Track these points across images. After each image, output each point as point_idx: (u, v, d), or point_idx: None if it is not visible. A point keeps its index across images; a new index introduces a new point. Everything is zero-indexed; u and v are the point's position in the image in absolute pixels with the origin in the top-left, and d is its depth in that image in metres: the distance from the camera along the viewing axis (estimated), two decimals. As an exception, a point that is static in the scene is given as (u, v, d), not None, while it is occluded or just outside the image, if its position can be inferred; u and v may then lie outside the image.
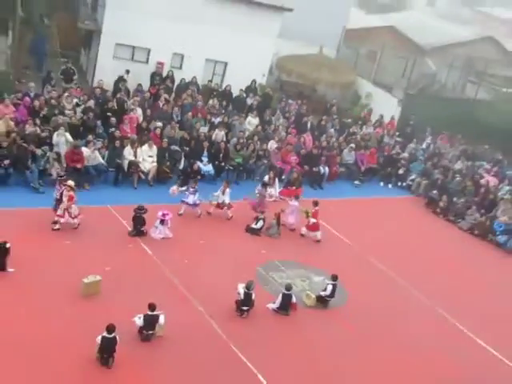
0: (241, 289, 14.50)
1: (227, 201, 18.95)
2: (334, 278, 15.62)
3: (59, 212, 16.30)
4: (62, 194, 16.33)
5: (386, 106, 30.53)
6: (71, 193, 16.28)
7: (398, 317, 16.01)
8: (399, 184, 25.77)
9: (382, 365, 13.94)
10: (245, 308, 14.45)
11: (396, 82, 32.59)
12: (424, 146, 28.51)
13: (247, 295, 14.41)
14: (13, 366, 11.43)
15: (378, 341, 14.78)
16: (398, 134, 28.98)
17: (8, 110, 19.78)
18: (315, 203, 19.23)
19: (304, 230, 19.19)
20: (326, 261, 17.38)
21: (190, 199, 18.57)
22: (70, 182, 16.53)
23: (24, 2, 22.82)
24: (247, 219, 18.90)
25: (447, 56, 33.88)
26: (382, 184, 25.73)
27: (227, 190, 18.96)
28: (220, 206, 19.00)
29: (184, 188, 18.84)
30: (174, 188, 18.93)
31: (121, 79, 24.62)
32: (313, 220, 19.07)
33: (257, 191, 19.74)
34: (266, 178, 21.04)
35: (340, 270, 16.24)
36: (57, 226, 16.31)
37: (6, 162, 18.03)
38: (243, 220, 18.98)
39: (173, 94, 25.67)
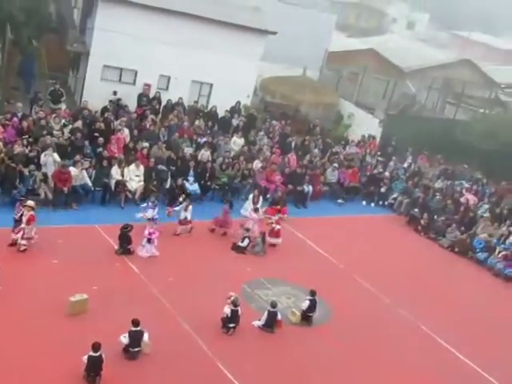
0: (227, 309, 14.70)
1: (189, 217, 19.27)
2: (313, 293, 15.91)
3: (15, 232, 16.25)
4: (21, 215, 16.24)
5: (367, 126, 31.18)
6: (31, 213, 16.18)
7: (382, 333, 16.33)
8: (381, 203, 26.28)
9: (367, 381, 14.23)
10: (231, 325, 14.69)
11: (377, 103, 33.32)
12: (405, 165, 29.11)
13: (233, 312, 14.66)
14: None
15: (363, 357, 15.07)
16: (379, 153, 29.54)
17: (-3, 131, 20.05)
18: (278, 211, 20.51)
19: (268, 239, 19.70)
20: (311, 278, 17.65)
21: (149, 213, 18.45)
22: (30, 202, 16.44)
23: (13, 25, 23.12)
24: (230, 237, 19.21)
25: (426, 78, 34.79)
26: (364, 203, 26.20)
27: (189, 207, 19.28)
28: (182, 222, 19.22)
29: (144, 205, 18.95)
30: (169, 208, 19.52)
31: (112, 103, 25.00)
32: (278, 227, 19.81)
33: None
34: (250, 198, 21.28)
35: (324, 287, 16.59)
36: (23, 248, 16.19)
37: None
38: (228, 238, 19.36)
39: (159, 115, 26.07)
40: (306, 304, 15.85)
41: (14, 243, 16.25)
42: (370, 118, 31.93)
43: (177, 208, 19.40)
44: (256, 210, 20.61)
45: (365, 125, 31.43)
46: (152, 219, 18.36)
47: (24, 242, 16.14)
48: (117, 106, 25.09)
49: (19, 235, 16.11)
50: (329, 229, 22.48)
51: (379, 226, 24.22)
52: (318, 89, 32.58)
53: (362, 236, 22.58)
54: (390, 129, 31.13)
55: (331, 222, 23.30)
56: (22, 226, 16.06)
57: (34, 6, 24.02)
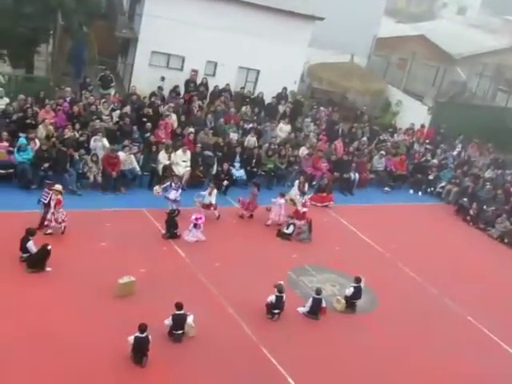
0: (271, 295, 14.72)
1: (214, 201, 19.11)
2: (358, 280, 15.85)
3: (48, 217, 16.29)
4: (50, 199, 16.33)
5: (416, 114, 30.68)
6: (59, 197, 16.28)
7: (428, 323, 16.16)
8: (429, 191, 25.91)
9: (411, 370, 14.10)
10: (276, 311, 14.74)
11: (426, 90, 32.73)
12: (455, 153, 28.59)
13: (278, 298, 14.70)
14: (48, 363, 11.82)
15: (408, 346, 14.96)
16: (427, 141, 29.10)
17: (48, 116, 20.47)
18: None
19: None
20: (356, 266, 17.54)
21: (172, 195, 18.61)
22: (58, 186, 16.55)
23: (64, 11, 23.50)
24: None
25: (477, 65, 33.99)
26: (411, 191, 25.87)
27: (214, 191, 19.16)
28: (207, 206, 19.05)
29: (167, 183, 18.95)
30: (157, 187, 19.11)
31: (159, 88, 25.26)
32: (304, 209, 19.68)
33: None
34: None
35: (370, 275, 16.48)
36: (49, 231, 16.24)
37: (46, 164, 18.65)
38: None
39: (206, 101, 26.19)
40: (350, 291, 15.81)
41: (41, 226, 16.17)
42: (419, 105, 31.40)
43: (202, 193, 19.26)
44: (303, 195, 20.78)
45: (413, 112, 30.93)
46: (175, 200, 18.56)
47: (62, 225, 16.31)
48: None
49: (52, 220, 16.21)
50: (375, 217, 22.32)
51: (426, 214, 23.90)
52: (365, 75, 32.19)
53: (409, 224, 22.32)
54: (439, 116, 30.58)
55: (377, 210, 23.11)
56: (52, 210, 16.21)
57: (84, -8, 24.39)
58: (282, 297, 14.73)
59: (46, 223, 16.24)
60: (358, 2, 32.30)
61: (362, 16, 32.06)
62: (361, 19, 31.72)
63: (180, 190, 18.76)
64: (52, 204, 16.20)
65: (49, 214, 16.24)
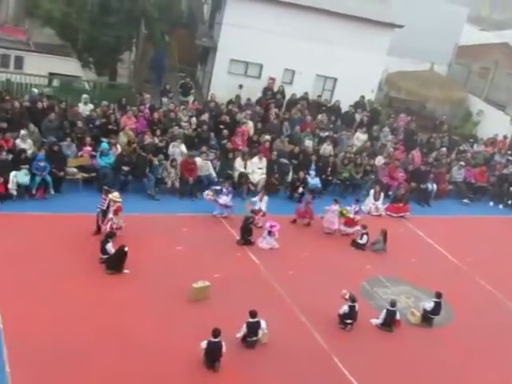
0: (345, 305, 14.64)
1: (264, 208, 18.98)
2: (438, 295, 15.52)
3: (104, 223, 16.23)
4: (108, 205, 16.27)
5: (498, 124, 29.80)
6: (118, 204, 16.25)
7: (505, 339, 15.66)
8: (510, 204, 25.07)
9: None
10: (349, 321, 14.63)
11: (509, 100, 31.68)
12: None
13: (351, 308, 14.60)
14: (122, 363, 12.09)
15: (483, 364, 14.52)
16: (510, 152, 28.19)
17: (130, 122, 21.11)
18: (357, 201, 20.16)
19: (342, 227, 19.42)
20: (432, 279, 17.22)
21: (222, 200, 18.64)
22: (115, 194, 16.42)
23: (147, 20, 24.20)
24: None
25: None
26: (491, 203, 25.11)
27: (265, 197, 19.05)
28: (256, 212, 18.80)
29: (218, 187, 19.03)
30: (208, 192, 18.96)
31: (237, 97, 25.59)
32: (357, 216, 19.50)
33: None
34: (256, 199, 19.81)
35: (446, 288, 16.07)
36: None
37: (126, 168, 19.19)
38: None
39: (283, 109, 26.31)
40: (430, 305, 15.49)
41: (98, 232, 16.29)
42: (501, 115, 30.48)
43: (254, 199, 19.22)
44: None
45: (495, 122, 30.05)
46: (225, 206, 18.62)
47: (118, 232, 16.08)
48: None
49: (108, 226, 16.09)
50: (452, 229, 21.80)
51: (506, 228, 23.14)
52: (445, 84, 31.58)
53: (488, 238, 21.67)
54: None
55: (455, 222, 22.56)
56: (110, 216, 16.16)
57: (167, 2, 25.06)
58: (355, 306, 14.61)
59: (103, 228, 16.22)
60: (440, 9, 31.77)
61: (444, 23, 31.56)
62: (442, 27, 31.23)
63: (231, 196, 18.83)
64: (111, 210, 16.21)
65: (106, 220, 16.22)
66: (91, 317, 13.19)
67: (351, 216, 19.48)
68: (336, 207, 19.38)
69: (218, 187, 19.08)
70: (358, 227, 19.25)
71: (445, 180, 24.37)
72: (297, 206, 19.89)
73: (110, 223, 16.11)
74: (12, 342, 11.88)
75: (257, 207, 18.97)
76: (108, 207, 16.22)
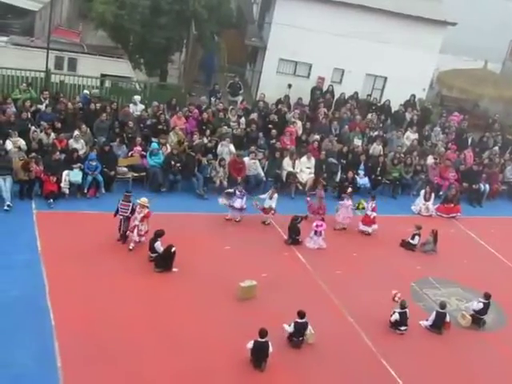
0: (396, 314, 14.36)
1: (274, 205, 18.44)
2: (487, 296, 15.17)
3: (130, 227, 15.81)
4: (132, 210, 15.75)
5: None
6: (147, 210, 15.68)
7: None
8: None
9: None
10: (402, 328, 14.40)
11: None
12: None
13: (402, 314, 14.36)
14: (170, 360, 12.21)
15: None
16: None
17: (180, 122, 21.38)
18: (373, 197, 19.28)
19: (360, 226, 18.94)
20: (484, 281, 16.82)
21: (237, 203, 18.14)
22: (143, 200, 15.78)
23: (197, 21, 24.44)
24: (401, 233, 18.87)
25: None
26: (546, 205, 24.46)
27: (275, 195, 18.51)
28: (266, 210, 18.39)
29: (231, 190, 18.60)
30: (222, 198, 18.45)
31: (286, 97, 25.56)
32: (374, 214, 18.88)
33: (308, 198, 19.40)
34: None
35: (499, 291, 15.73)
36: (131, 245, 15.76)
37: (177, 164, 19.38)
38: (395, 234, 18.97)
39: (332, 108, 26.19)
40: (479, 306, 15.18)
41: (122, 239, 15.94)
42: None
43: (262, 196, 18.73)
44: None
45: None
46: (241, 209, 18.22)
47: (137, 238, 15.73)
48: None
49: (134, 233, 15.68)
50: (506, 230, 21.25)
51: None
52: (499, 82, 30.86)
53: (543, 240, 21.07)
54: None
55: (508, 223, 21.99)
56: (136, 222, 15.64)
57: (216, 2, 25.25)
58: (406, 312, 14.38)
59: (128, 235, 15.88)
60: (494, 5, 31.09)
61: (498, 20, 30.89)
62: (496, 23, 30.58)
63: (245, 198, 18.28)
64: (138, 217, 15.62)
65: (131, 226, 15.78)
66: (140, 315, 13.39)
67: (368, 213, 18.95)
68: (350, 202, 19.03)
69: (231, 190, 18.67)
70: (375, 226, 18.85)
71: (498, 180, 23.82)
72: (310, 201, 19.15)
73: (136, 230, 15.67)
74: (63, 338, 12.14)
75: (266, 205, 18.47)
76: (132, 212, 15.76)
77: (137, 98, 22.27)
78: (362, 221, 19.01)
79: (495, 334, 15.20)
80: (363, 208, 19.16)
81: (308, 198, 19.21)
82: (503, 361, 14.24)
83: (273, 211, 18.47)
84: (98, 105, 20.79)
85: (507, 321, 15.74)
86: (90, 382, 11.31)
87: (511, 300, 16.34)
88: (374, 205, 19.06)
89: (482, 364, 14.02)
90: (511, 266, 18.82)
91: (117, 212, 15.86)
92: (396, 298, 14.60)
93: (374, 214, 18.99)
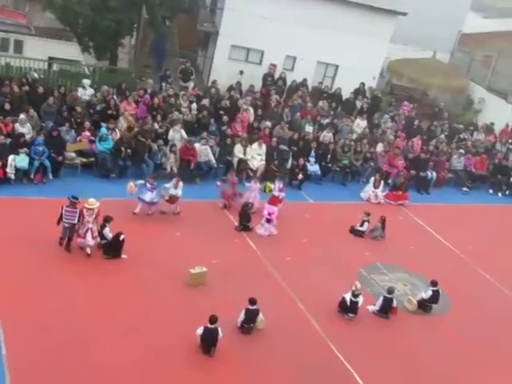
0: (347, 297, 14.61)
1: (180, 194, 17.71)
2: (434, 283, 15.51)
3: (81, 233, 14.58)
4: (79, 217, 14.46)
5: (499, 113, 29.70)
6: (97, 209, 14.58)
7: (504, 329, 15.62)
8: (509, 192, 25.04)
9: (480, 378, 13.68)
10: (351, 315, 14.60)
11: (511, 89, 31.57)
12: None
13: (353, 303, 14.56)
14: (120, 347, 12.14)
15: (480, 353, 14.48)
16: (511, 141, 28.11)
17: (130, 107, 21.10)
18: (280, 178, 19.35)
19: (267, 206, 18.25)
20: (430, 267, 17.23)
21: (147, 197, 17.14)
22: (92, 201, 14.64)
23: (148, 5, 24.07)
24: (350, 220, 19.09)
25: None
26: (491, 191, 25.11)
27: (180, 183, 17.70)
28: (171, 200, 17.62)
29: (142, 181, 17.32)
30: (131, 184, 17.22)
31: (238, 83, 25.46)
32: (281, 194, 18.58)
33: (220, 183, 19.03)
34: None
35: (444, 277, 16.10)
36: (88, 250, 14.74)
37: (127, 150, 19.14)
38: (344, 220, 19.16)
39: (284, 95, 26.24)
40: (428, 294, 15.49)
41: (66, 247, 14.76)
42: (503, 104, 30.36)
43: (167, 185, 17.80)
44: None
45: (496, 111, 29.94)
46: (151, 203, 17.24)
47: (92, 242, 14.71)
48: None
49: (88, 237, 14.56)
50: (451, 217, 21.79)
51: (506, 216, 23.12)
52: (447, 72, 31.45)
53: (487, 226, 21.64)
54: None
55: (454, 210, 22.54)
56: (90, 226, 14.49)
57: (168, -13, 24.90)
58: (358, 302, 14.59)
59: (79, 241, 14.72)
60: (443, -4, 31.61)
61: (447, 11, 31.40)
62: (445, 14, 31.09)
63: (155, 191, 17.26)
64: (90, 219, 14.46)
65: (81, 232, 14.58)
66: (90, 302, 13.22)
67: (276, 194, 18.59)
68: (257, 185, 18.79)
69: (142, 181, 17.35)
70: (280, 205, 18.36)
71: (444, 168, 24.35)
72: (221, 187, 18.76)
73: (89, 233, 14.55)
74: (8, 325, 11.91)
75: (173, 193, 17.66)
76: (79, 219, 14.47)
77: (86, 81, 21.86)
78: (269, 201, 18.47)
79: (440, 318, 15.55)
80: (270, 190, 18.90)
81: (218, 183, 18.88)
82: (448, 344, 14.58)
83: (177, 200, 17.68)
84: (42, 88, 20.25)
85: (452, 305, 16.12)
86: (38, 370, 11.10)
87: (456, 285, 16.76)
88: (281, 185, 18.82)
89: (428, 347, 14.32)
90: (457, 251, 19.28)
91: (60, 219, 14.51)
92: (353, 287, 14.67)
93: (282, 194, 18.70)
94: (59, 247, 14.77)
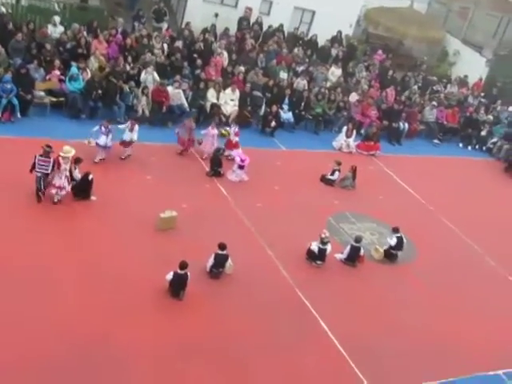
0: (315, 246, 14.78)
1: (135, 138, 17.10)
2: (396, 230, 15.73)
3: (57, 184, 14.22)
4: (54, 165, 14.09)
5: (473, 66, 29.72)
6: (71, 157, 14.30)
7: (467, 280, 16.01)
8: (479, 146, 25.31)
9: (444, 323, 14.06)
10: (319, 262, 14.81)
11: (486, 42, 31.52)
12: (510, 109, 27.70)
13: (321, 250, 14.74)
14: (89, 291, 12.18)
15: (443, 300, 14.87)
16: (483, 95, 28.27)
17: (101, 46, 20.55)
18: (236, 123, 19.23)
19: (226, 151, 18.40)
20: (398, 217, 17.43)
21: (102, 141, 16.45)
22: (67, 149, 14.23)
23: None
24: (321, 168, 19.13)
25: (544, 16, 32.41)
26: (461, 145, 25.35)
27: (135, 127, 17.03)
28: (125, 143, 17.08)
29: (95, 128, 16.58)
30: (90, 139, 16.62)
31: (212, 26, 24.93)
32: (236, 139, 18.60)
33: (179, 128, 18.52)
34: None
35: (411, 227, 16.38)
36: (57, 199, 14.42)
37: (98, 91, 18.79)
38: (315, 169, 19.20)
39: (259, 40, 25.81)
40: (393, 241, 15.72)
41: (40, 197, 14.39)
42: (477, 56, 30.36)
43: (121, 126, 17.19)
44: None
45: (470, 64, 29.95)
46: (104, 147, 16.54)
47: (69, 188, 14.54)
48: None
49: (65, 184, 14.35)
50: (421, 168, 22.00)
51: (475, 170, 23.44)
52: (424, 22, 31.13)
53: (456, 179, 21.90)
54: (497, 70, 29.56)
55: (425, 162, 22.73)
56: (66, 174, 14.28)
57: None
58: (326, 249, 14.77)
59: (53, 191, 14.33)
60: None
61: (426, -40, 30.89)
62: (424, -38, 30.59)
63: (111, 135, 16.52)
64: (67, 167, 14.21)
65: (56, 179, 14.22)
66: (58, 246, 13.19)
67: (231, 138, 18.57)
68: (214, 131, 18.46)
69: (96, 128, 16.57)
70: (239, 150, 18.30)
71: (417, 120, 24.43)
72: (178, 133, 18.27)
73: (66, 181, 14.31)
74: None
75: (127, 138, 17.06)
76: (53, 168, 14.09)
77: (56, 18, 21.17)
78: (225, 145, 18.49)
79: (406, 267, 15.87)
80: (228, 134, 18.81)
81: (177, 130, 18.45)
82: (413, 292, 14.93)
83: (130, 144, 17.15)
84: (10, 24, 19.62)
85: (417, 254, 16.43)
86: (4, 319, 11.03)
87: (422, 234, 17.07)
88: (236, 129, 18.69)
89: (394, 295, 14.65)
90: (423, 202, 19.55)
91: (33, 167, 14.07)
92: (322, 235, 14.79)
93: (237, 138, 18.60)
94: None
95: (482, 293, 15.60)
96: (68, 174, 14.34)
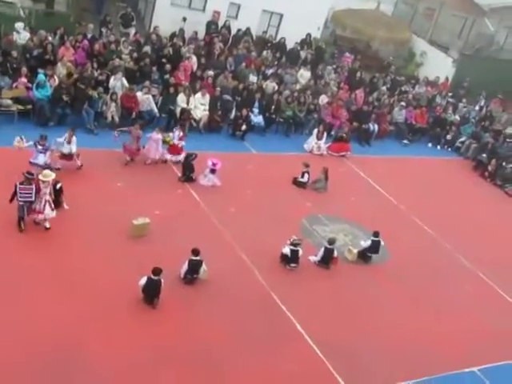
0: (286, 249, 14.80)
1: (74, 150, 16.29)
2: (376, 234, 15.86)
3: (38, 208, 13.62)
4: (37, 190, 13.46)
5: (440, 66, 30.13)
6: (51, 179, 13.78)
7: (439, 278, 16.19)
8: (448, 146, 25.61)
9: (417, 323, 14.18)
10: (293, 265, 14.85)
11: (452, 42, 31.97)
12: (477, 108, 28.15)
13: (293, 252, 14.77)
14: (62, 299, 12.05)
15: (416, 300, 15.04)
16: (450, 94, 28.64)
17: (68, 53, 20.32)
18: (182, 126, 18.90)
19: (168, 156, 18.21)
20: (370, 217, 17.59)
21: (41, 160, 15.60)
22: (47, 173, 13.78)
23: None
24: (293, 171, 19.18)
25: (507, 17, 32.96)
26: (430, 145, 25.63)
27: (73, 138, 16.23)
28: (67, 157, 16.29)
29: (30, 143, 15.95)
30: (18, 138, 16.33)
31: (180, 30, 24.82)
32: (181, 142, 18.27)
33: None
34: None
35: (383, 227, 16.43)
36: (47, 224, 13.95)
37: (65, 98, 18.57)
38: (287, 172, 19.23)
39: (228, 44, 25.78)
40: (367, 243, 15.84)
41: (22, 226, 13.71)
42: (444, 57, 30.77)
43: (59, 139, 16.22)
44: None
45: (437, 64, 30.34)
46: (45, 166, 15.26)
47: (52, 214, 13.92)
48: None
49: (47, 210, 13.74)
50: (392, 169, 22.17)
51: (444, 169, 23.70)
52: (391, 24, 31.44)
53: (426, 178, 22.13)
54: (464, 70, 29.99)
55: (395, 163, 22.93)
56: (47, 198, 13.65)
57: None
58: (298, 251, 14.80)
59: (39, 217, 13.79)
60: None
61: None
62: (390, -36, 30.89)
63: (49, 153, 15.78)
64: (47, 191, 13.61)
65: (40, 206, 13.63)
66: (30, 254, 13.03)
67: (175, 142, 18.23)
68: (159, 136, 17.84)
69: (31, 142, 15.93)
70: (183, 154, 18.02)
71: (386, 120, 24.63)
72: (124, 142, 17.58)
73: (47, 206, 13.69)
74: None
75: (66, 151, 16.21)
76: (36, 195, 13.44)
77: (19, 25, 20.87)
78: (168, 150, 18.16)
79: (379, 268, 15.97)
80: (170, 141, 18.30)
81: (116, 134, 17.57)
82: (386, 292, 15.05)
83: (75, 157, 16.38)
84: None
85: (390, 255, 16.53)
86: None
87: (394, 235, 17.13)
88: (181, 134, 18.39)
89: (368, 295, 14.74)
90: (395, 203, 19.71)
91: (13, 197, 13.39)
92: (290, 239, 14.82)
93: (182, 143, 18.35)
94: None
95: (453, 291, 15.81)
96: (49, 198, 13.71)
